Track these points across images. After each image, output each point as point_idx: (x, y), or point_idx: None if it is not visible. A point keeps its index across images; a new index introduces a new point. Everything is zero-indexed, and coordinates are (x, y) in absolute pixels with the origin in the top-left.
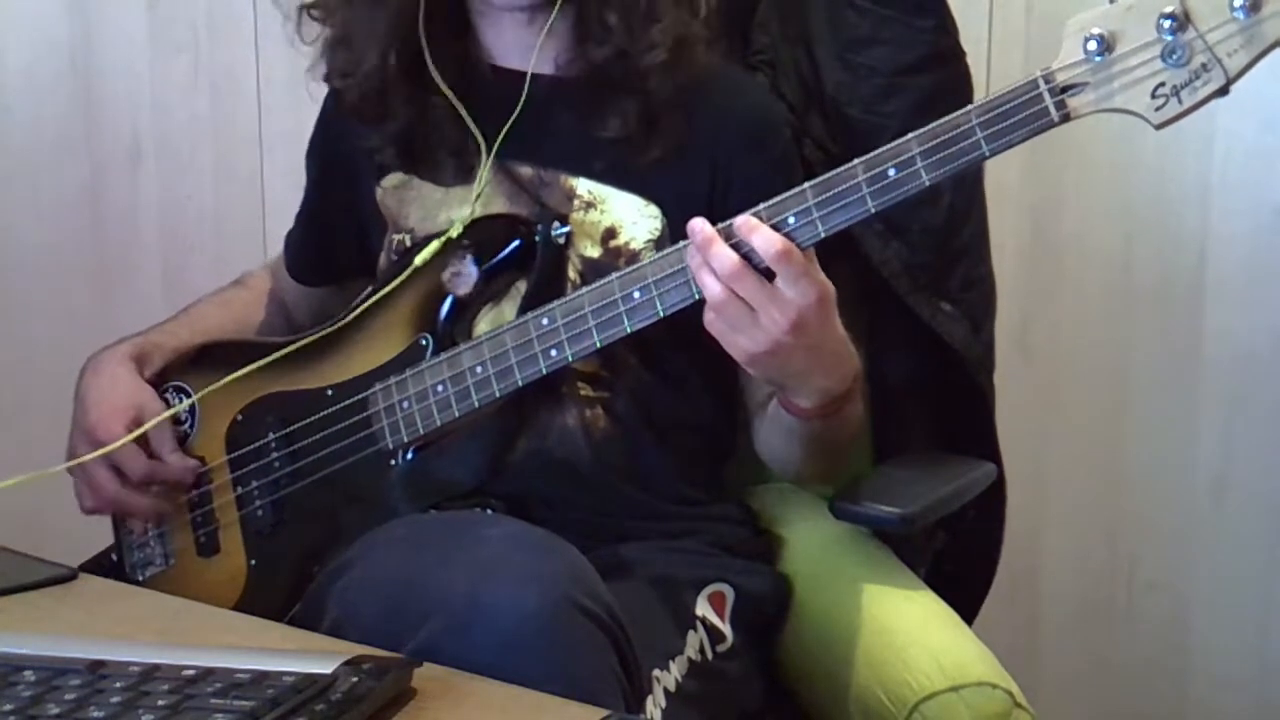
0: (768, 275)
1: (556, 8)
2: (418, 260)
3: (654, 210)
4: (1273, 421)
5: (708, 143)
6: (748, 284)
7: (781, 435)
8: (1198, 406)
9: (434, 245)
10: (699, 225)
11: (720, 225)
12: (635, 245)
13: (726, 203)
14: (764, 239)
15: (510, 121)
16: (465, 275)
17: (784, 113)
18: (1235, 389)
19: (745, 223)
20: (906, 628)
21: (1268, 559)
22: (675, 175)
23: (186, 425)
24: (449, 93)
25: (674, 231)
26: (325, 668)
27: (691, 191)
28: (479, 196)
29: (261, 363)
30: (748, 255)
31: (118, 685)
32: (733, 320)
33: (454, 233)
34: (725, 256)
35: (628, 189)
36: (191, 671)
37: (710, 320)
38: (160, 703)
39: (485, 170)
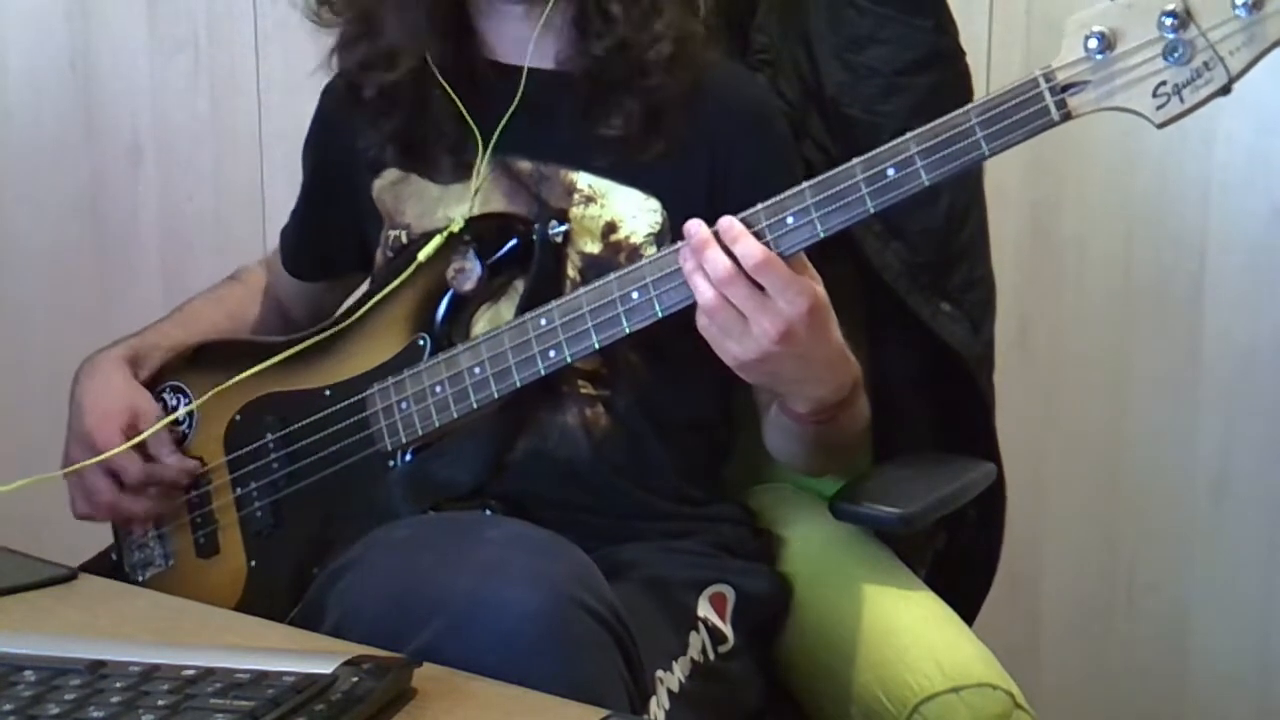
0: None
1: (551, 1)
2: (421, 256)
3: (654, 204)
4: (1273, 422)
5: (707, 135)
6: (740, 291)
7: (782, 435)
8: (1198, 407)
9: (436, 240)
10: (695, 226)
11: (711, 229)
12: (635, 240)
13: (727, 194)
14: (745, 248)
15: (508, 115)
16: (469, 271)
17: (781, 105)
18: (1235, 389)
19: (729, 228)
20: (907, 628)
21: (1268, 559)
22: (675, 168)
23: (184, 426)
24: (447, 87)
25: (674, 225)
26: (325, 668)
27: (692, 184)
28: (477, 191)
29: (263, 366)
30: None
31: (118, 685)
32: (724, 326)
33: (455, 227)
34: (719, 261)
35: (628, 183)
36: (191, 671)
37: (703, 325)
38: (160, 703)
39: (483, 164)
